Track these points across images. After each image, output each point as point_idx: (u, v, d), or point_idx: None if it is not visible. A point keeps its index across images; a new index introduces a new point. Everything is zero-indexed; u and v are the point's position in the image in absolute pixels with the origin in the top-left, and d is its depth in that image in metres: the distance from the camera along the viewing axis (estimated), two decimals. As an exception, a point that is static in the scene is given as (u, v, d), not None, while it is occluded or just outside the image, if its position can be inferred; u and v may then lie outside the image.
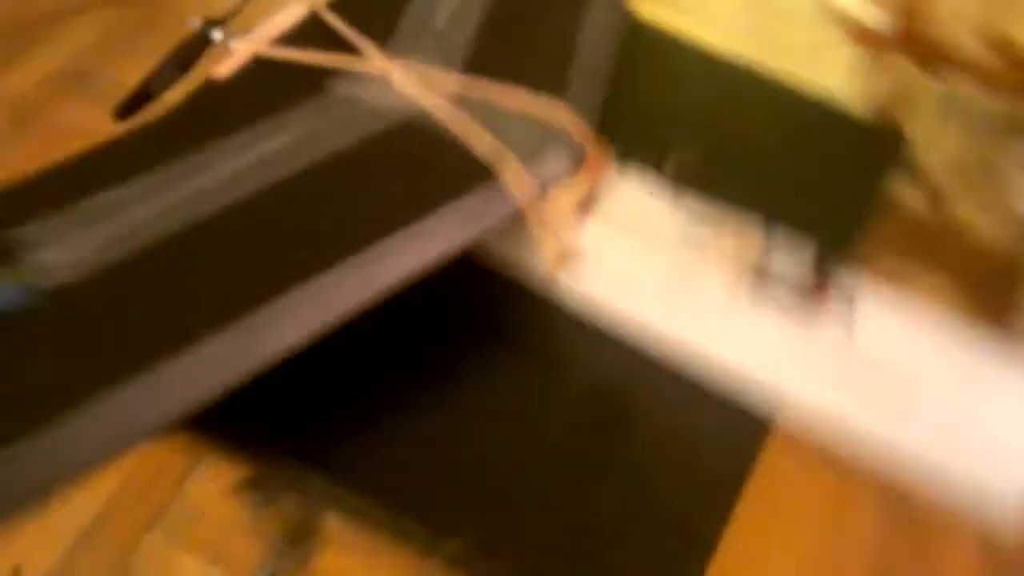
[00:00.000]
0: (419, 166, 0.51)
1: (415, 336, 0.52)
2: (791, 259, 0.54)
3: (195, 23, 0.64)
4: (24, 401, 0.40)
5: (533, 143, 0.52)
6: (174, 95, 0.60)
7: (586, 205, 0.55)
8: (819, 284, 0.53)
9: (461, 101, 0.53)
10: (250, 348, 0.44)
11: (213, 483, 0.50)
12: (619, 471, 0.50)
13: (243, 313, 0.43)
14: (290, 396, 0.49)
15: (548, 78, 0.55)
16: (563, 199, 0.54)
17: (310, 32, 0.60)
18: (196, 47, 0.64)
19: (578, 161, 0.54)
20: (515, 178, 0.50)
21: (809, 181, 0.62)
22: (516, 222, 0.51)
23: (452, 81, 0.54)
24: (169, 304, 0.44)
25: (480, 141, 0.50)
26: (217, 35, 0.62)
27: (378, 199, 0.49)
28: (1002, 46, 0.73)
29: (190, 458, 0.50)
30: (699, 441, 0.51)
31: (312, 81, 0.56)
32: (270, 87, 0.56)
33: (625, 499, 0.49)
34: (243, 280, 0.45)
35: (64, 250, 0.45)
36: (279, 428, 0.49)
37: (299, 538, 0.59)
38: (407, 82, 0.54)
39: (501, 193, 0.50)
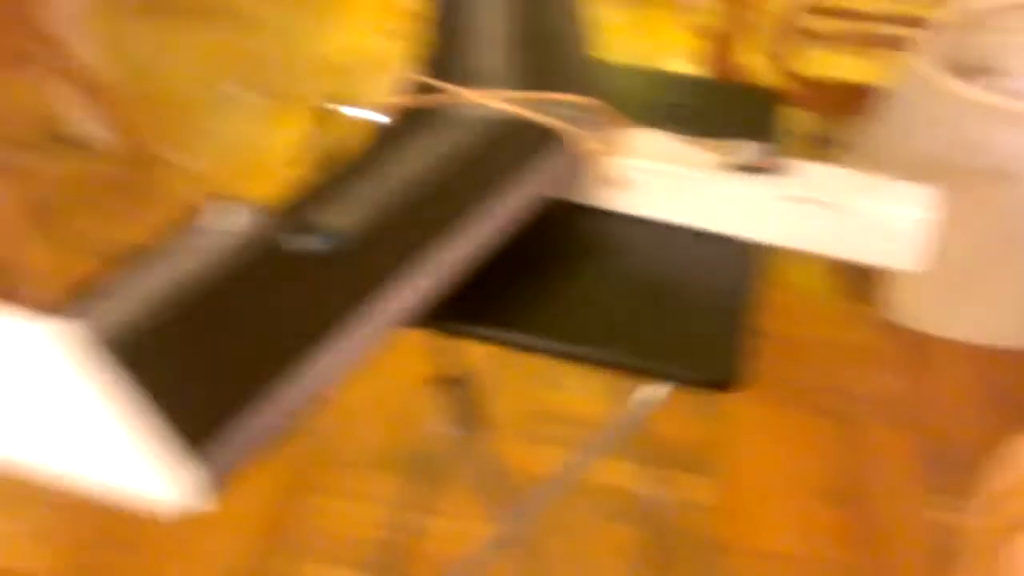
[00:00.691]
0: (521, 140, 0.87)
1: (537, 243, 0.87)
2: (746, 155, 0.89)
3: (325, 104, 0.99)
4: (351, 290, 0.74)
5: (581, 116, 0.88)
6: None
7: (615, 148, 0.90)
8: (762, 164, 0.88)
9: (531, 102, 0.89)
10: (455, 252, 0.78)
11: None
12: (671, 294, 0.84)
13: (446, 232, 0.78)
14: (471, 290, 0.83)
15: (577, 79, 0.92)
16: (602, 146, 0.89)
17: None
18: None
19: (604, 123, 0.90)
20: (573, 137, 0.85)
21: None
22: (578, 166, 0.87)
23: (517, 95, 0.90)
24: (417, 232, 0.78)
25: (551, 121, 0.86)
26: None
27: (504, 161, 0.85)
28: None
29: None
30: (712, 264, 0.86)
31: (432, 113, 0.92)
32: (410, 122, 0.92)
33: (681, 304, 0.83)
34: (446, 216, 0.80)
35: (349, 212, 0.80)
36: (468, 310, 0.83)
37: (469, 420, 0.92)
38: (496, 102, 0.90)
39: (569, 146, 0.86)
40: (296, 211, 0.81)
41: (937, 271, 1.66)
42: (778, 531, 1.42)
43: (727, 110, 1.04)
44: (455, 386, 1.00)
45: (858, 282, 1.83)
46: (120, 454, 0.61)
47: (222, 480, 0.63)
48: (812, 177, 0.88)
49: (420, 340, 0.88)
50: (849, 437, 1.55)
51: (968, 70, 1.54)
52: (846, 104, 1.76)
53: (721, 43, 1.86)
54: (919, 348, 1.70)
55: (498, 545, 1.11)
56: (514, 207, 0.84)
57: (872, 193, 0.86)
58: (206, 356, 0.68)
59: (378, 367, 1.61)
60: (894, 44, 1.62)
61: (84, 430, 0.61)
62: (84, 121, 2.02)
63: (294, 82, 2.30)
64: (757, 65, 2.03)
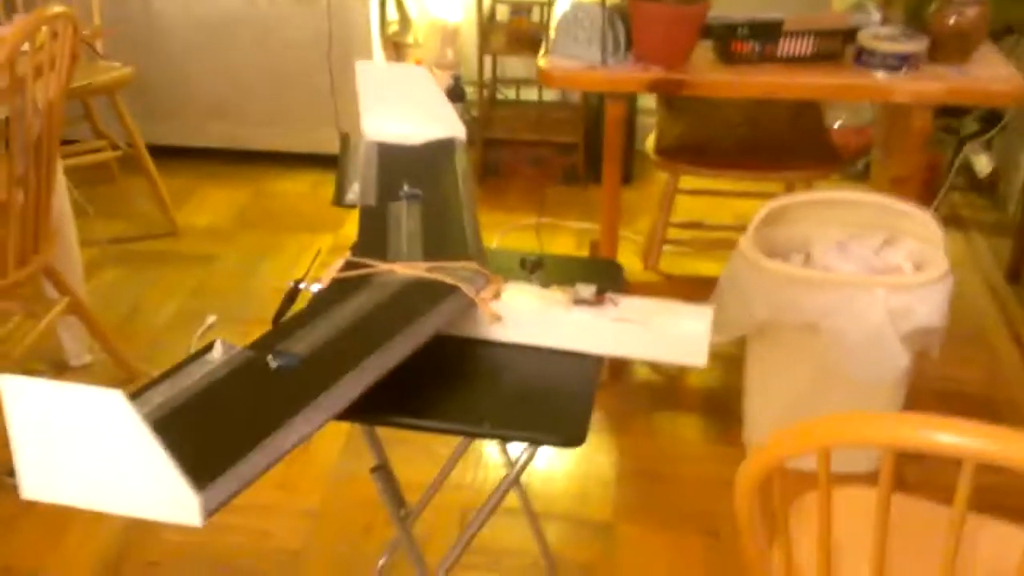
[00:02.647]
0: (426, 293, 1.23)
1: (429, 366, 1.21)
2: (584, 294, 1.26)
3: (289, 283, 1.35)
4: (294, 400, 1.07)
5: (469, 276, 1.25)
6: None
7: (496, 295, 1.27)
8: (596, 299, 1.25)
9: (432, 269, 1.26)
10: (373, 370, 1.12)
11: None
12: (535, 391, 1.19)
13: (371, 352, 1.13)
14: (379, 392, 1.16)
15: (465, 253, 1.30)
16: (485, 295, 1.26)
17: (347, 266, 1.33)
18: (292, 295, 1.35)
19: (487, 279, 1.27)
20: (466, 289, 1.22)
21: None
22: (467, 309, 1.24)
23: (423, 264, 1.28)
24: (349, 355, 1.13)
25: (447, 280, 1.23)
26: (303, 285, 1.34)
27: (415, 306, 1.21)
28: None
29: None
30: (564, 371, 1.21)
31: (363, 279, 1.28)
32: (345, 287, 1.28)
33: (546, 397, 1.18)
34: (371, 342, 1.15)
35: (303, 344, 1.14)
36: (382, 405, 1.16)
37: (398, 498, 1.25)
38: (406, 270, 1.27)
39: (462, 296, 1.22)
40: (271, 343, 1.16)
41: (778, 409, 2.03)
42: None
43: (583, 271, 1.42)
44: (380, 471, 1.31)
45: (721, 427, 2.21)
46: (149, 488, 0.91)
47: (215, 507, 0.94)
48: (629, 306, 1.25)
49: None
50: (717, 547, 1.87)
51: (781, 252, 1.98)
52: (698, 292, 2.17)
53: (601, 251, 2.29)
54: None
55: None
56: (424, 334, 1.19)
57: (668, 312, 1.24)
58: (209, 429, 1.01)
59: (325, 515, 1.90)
60: (730, 244, 2.05)
61: (128, 471, 0.91)
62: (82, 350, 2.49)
63: (248, 304, 2.77)
64: (632, 267, 2.50)
